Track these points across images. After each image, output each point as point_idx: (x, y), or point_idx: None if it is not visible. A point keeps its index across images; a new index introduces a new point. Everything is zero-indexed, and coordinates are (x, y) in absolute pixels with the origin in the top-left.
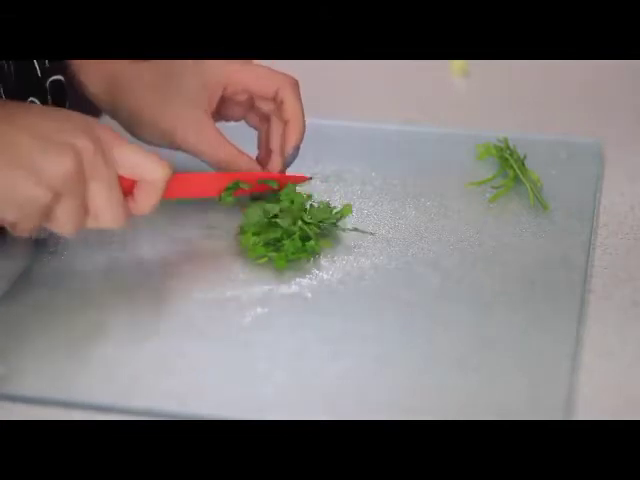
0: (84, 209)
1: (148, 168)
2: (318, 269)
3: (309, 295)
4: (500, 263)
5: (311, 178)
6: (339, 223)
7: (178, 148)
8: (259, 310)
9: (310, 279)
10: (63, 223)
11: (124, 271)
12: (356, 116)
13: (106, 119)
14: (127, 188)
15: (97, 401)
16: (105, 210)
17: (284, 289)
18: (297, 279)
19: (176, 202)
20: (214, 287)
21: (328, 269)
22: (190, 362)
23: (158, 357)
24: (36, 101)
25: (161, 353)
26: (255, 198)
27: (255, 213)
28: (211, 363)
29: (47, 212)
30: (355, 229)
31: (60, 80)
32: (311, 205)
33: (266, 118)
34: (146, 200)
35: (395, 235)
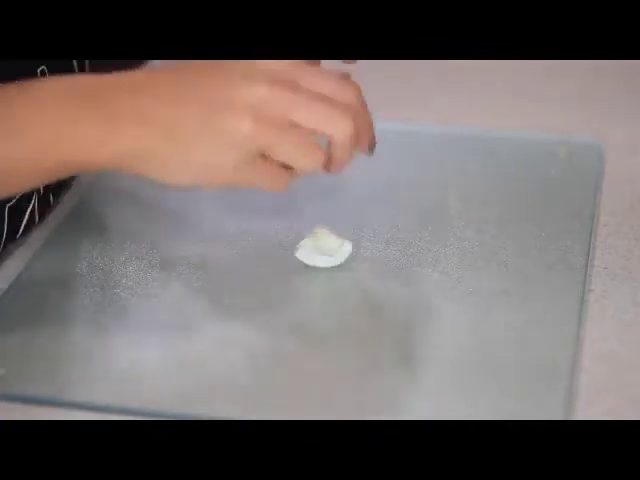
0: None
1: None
2: (317, 269)
3: (308, 296)
4: (500, 263)
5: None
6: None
7: None
8: (260, 311)
9: (309, 279)
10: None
11: (123, 271)
12: None
13: None
14: None
15: (96, 401)
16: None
17: (283, 290)
18: (296, 280)
19: None
20: (214, 287)
21: (327, 269)
22: (190, 362)
23: (158, 357)
24: None
25: (161, 353)
26: None
27: None
28: (211, 363)
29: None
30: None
31: None
32: None
33: None
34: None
35: (395, 235)
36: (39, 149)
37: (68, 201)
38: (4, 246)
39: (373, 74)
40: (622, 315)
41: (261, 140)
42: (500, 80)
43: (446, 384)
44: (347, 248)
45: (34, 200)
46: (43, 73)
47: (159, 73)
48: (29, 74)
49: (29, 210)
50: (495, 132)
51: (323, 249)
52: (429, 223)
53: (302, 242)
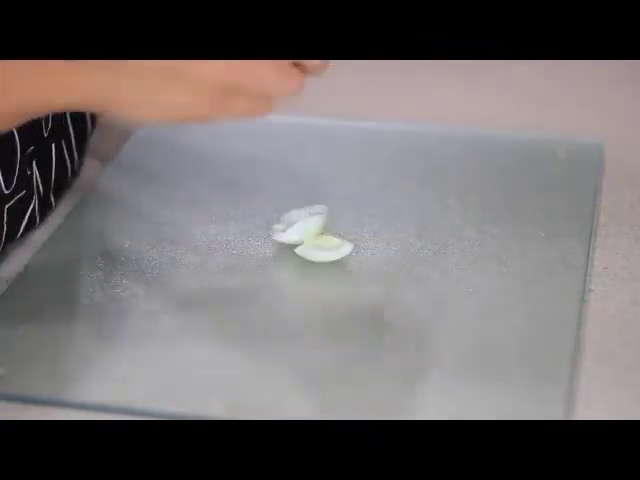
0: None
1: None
2: (317, 268)
3: (308, 297)
4: (500, 263)
5: None
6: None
7: None
8: (259, 310)
9: (309, 279)
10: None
11: (123, 271)
12: (356, 116)
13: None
14: None
15: (96, 401)
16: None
17: (284, 290)
18: (297, 278)
19: None
20: (214, 287)
21: (327, 269)
22: (190, 362)
23: (158, 357)
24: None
25: (161, 353)
26: None
27: None
28: (211, 363)
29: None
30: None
31: None
32: None
33: None
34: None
35: (395, 235)
36: (5, 90)
37: (68, 201)
38: (4, 247)
39: (373, 74)
40: (622, 315)
41: (232, 76)
42: (500, 80)
43: (446, 384)
44: (347, 247)
45: (34, 201)
46: None
47: None
48: None
49: (29, 211)
50: (495, 132)
51: (323, 246)
52: (429, 223)
53: (302, 244)
